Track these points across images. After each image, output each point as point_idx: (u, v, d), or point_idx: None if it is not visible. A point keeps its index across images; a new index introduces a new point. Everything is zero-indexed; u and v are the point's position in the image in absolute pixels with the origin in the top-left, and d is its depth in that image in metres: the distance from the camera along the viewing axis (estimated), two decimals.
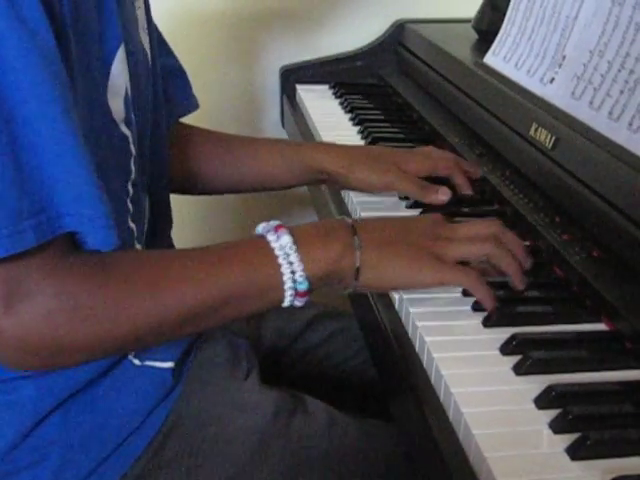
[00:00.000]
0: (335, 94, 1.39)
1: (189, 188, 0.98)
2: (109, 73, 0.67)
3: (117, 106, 0.69)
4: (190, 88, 0.96)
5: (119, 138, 0.71)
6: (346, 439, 0.81)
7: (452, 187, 0.89)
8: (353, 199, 0.93)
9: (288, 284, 0.65)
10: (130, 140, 0.73)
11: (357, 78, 1.46)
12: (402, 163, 0.90)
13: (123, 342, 0.62)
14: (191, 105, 0.96)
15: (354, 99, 1.33)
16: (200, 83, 1.51)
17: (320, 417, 0.82)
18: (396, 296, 0.73)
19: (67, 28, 0.59)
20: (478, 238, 0.71)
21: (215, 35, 1.48)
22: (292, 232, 0.66)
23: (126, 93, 0.71)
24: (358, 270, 0.67)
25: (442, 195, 0.85)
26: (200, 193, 0.99)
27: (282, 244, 0.65)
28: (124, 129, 0.71)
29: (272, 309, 0.69)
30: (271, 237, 0.65)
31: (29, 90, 0.54)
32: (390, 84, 1.39)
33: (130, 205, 0.75)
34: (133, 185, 0.75)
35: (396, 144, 1.07)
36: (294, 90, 1.44)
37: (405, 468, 0.80)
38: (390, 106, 1.31)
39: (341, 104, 1.33)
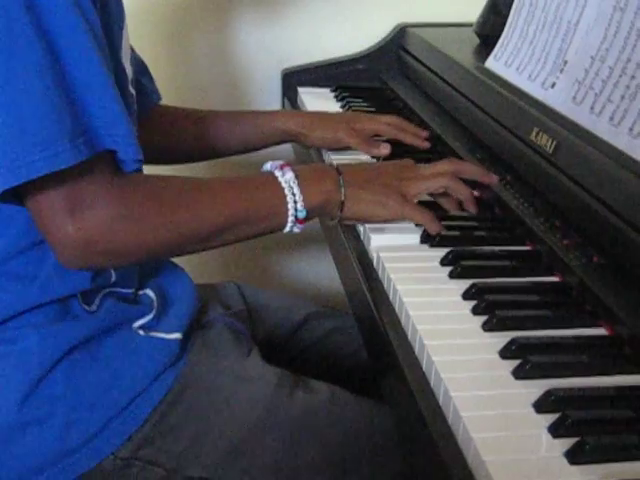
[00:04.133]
0: (337, 97, 1.39)
1: (169, 158, 1.12)
2: (122, 37, 0.78)
3: (127, 67, 0.80)
4: (154, 81, 1.08)
5: (129, 97, 0.81)
6: (346, 414, 0.85)
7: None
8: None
9: (291, 211, 0.78)
10: (135, 99, 0.83)
11: (359, 81, 1.46)
12: (351, 122, 1.08)
13: (165, 247, 0.75)
14: (158, 97, 1.08)
15: (356, 102, 1.33)
16: (201, 84, 1.52)
17: (321, 392, 0.86)
18: (396, 300, 0.73)
19: None
20: (436, 175, 0.86)
21: (216, 36, 1.48)
22: (294, 170, 0.80)
23: (132, 57, 0.82)
24: (342, 203, 0.82)
25: (383, 149, 1.04)
26: (175, 162, 1.15)
27: (287, 179, 0.79)
28: (131, 89, 0.82)
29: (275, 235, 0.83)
30: (278, 173, 0.80)
31: (75, 38, 0.66)
32: (391, 87, 1.39)
33: None
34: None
35: (397, 148, 1.07)
36: (296, 93, 1.45)
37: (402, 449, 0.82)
38: (391, 109, 1.31)
39: (343, 107, 1.33)
